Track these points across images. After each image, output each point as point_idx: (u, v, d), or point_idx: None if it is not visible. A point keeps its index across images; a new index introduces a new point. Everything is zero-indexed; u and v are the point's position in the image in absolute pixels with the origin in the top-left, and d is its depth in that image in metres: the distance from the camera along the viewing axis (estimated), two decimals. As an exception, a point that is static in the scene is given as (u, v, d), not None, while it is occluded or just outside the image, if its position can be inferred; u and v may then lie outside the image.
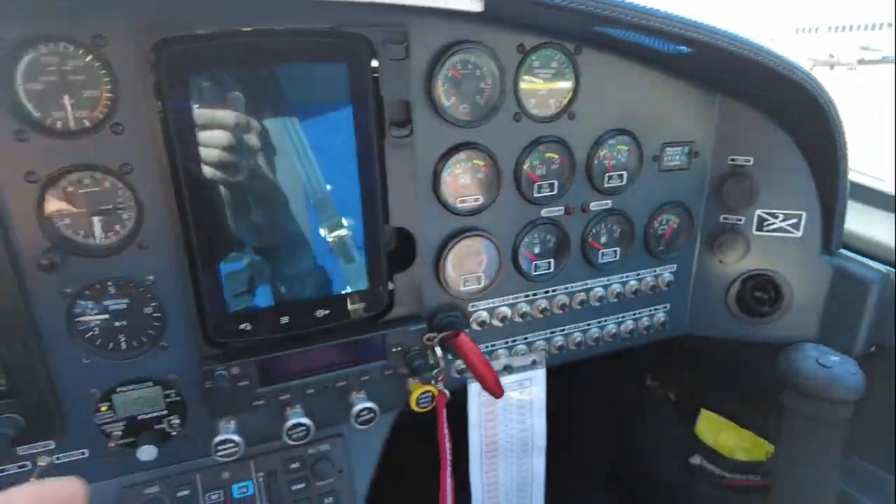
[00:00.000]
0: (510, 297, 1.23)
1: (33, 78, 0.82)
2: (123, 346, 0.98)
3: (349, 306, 1.06)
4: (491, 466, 1.30)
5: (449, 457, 1.17)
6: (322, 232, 1.00)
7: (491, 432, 1.27)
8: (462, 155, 1.09)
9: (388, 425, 1.23)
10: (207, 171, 0.90)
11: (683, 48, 1.07)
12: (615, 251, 1.29)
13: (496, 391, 1.06)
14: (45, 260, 0.86)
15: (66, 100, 0.85)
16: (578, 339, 1.32)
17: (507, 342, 1.26)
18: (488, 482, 1.31)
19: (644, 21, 0.94)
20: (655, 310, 1.40)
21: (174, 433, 1.04)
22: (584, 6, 0.88)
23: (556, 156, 1.16)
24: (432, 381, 1.13)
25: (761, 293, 1.40)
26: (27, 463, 0.98)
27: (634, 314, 1.38)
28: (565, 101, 1.14)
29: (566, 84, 1.14)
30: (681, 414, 1.79)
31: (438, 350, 1.11)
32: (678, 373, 1.85)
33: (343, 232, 1.01)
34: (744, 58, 1.04)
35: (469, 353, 1.02)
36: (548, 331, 1.29)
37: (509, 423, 1.28)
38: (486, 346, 1.24)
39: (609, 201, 1.25)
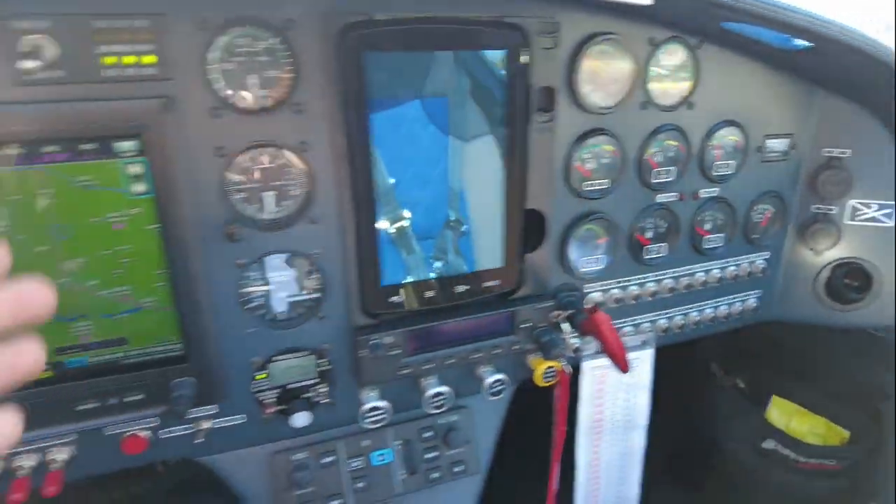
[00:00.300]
0: (623, 279, 1.28)
1: (226, 58, 0.88)
2: (283, 316, 1.03)
3: (485, 283, 1.11)
4: (595, 441, 1.35)
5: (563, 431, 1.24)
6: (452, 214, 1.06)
7: (599, 409, 1.32)
8: (592, 140, 1.14)
9: (507, 399, 1.28)
10: (378, 150, 0.96)
11: (800, 44, 1.13)
12: (719, 237, 1.34)
13: (624, 367, 1.12)
14: (230, 230, 0.91)
15: (252, 79, 0.90)
16: (681, 322, 1.37)
17: (616, 323, 1.31)
18: (591, 457, 1.36)
19: (788, 19, 0.99)
20: (748, 295, 1.46)
21: (321, 401, 1.10)
22: (752, 7, 0.93)
23: (675, 143, 1.22)
24: (557, 358, 1.19)
25: (851, 280, 1.46)
26: (191, 426, 1.03)
27: (729, 299, 1.43)
28: (686, 92, 1.20)
29: (687, 75, 1.19)
30: (750, 401, 1.84)
31: (566, 326, 1.16)
32: (745, 361, 1.90)
33: (483, 215, 1.07)
34: (864, 52, 1.09)
35: (607, 329, 1.07)
36: (654, 313, 1.35)
37: (616, 400, 1.34)
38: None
39: (717, 189, 1.31)
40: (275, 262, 1.00)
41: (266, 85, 0.91)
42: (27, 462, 0.94)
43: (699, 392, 1.99)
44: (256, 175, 0.94)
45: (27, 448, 0.94)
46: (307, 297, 1.03)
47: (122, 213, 0.88)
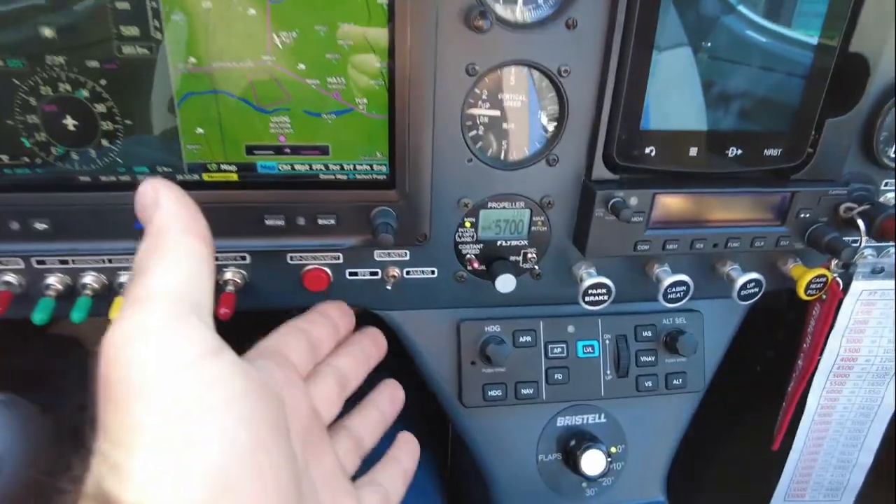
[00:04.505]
0: (933, 180, 0.96)
1: None
2: (503, 154, 0.83)
3: (765, 150, 0.84)
4: (837, 384, 1.07)
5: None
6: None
7: (854, 345, 1.03)
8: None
9: (742, 312, 1.03)
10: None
11: None
12: None
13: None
14: (475, 18, 0.70)
15: None
16: None
17: (908, 241, 1.00)
18: (826, 403, 1.09)
19: None
20: None
21: (527, 268, 0.90)
22: None
23: None
24: (831, 267, 0.91)
25: None
26: (378, 271, 0.88)
27: None
28: None
29: None
30: None
31: (861, 224, 0.87)
32: None
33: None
34: None
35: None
36: (960, 235, 1.01)
37: (879, 339, 1.04)
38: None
39: None
40: (510, 78, 0.78)
41: None
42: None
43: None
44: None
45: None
46: (541, 130, 0.82)
47: (347, -24, 0.69)
